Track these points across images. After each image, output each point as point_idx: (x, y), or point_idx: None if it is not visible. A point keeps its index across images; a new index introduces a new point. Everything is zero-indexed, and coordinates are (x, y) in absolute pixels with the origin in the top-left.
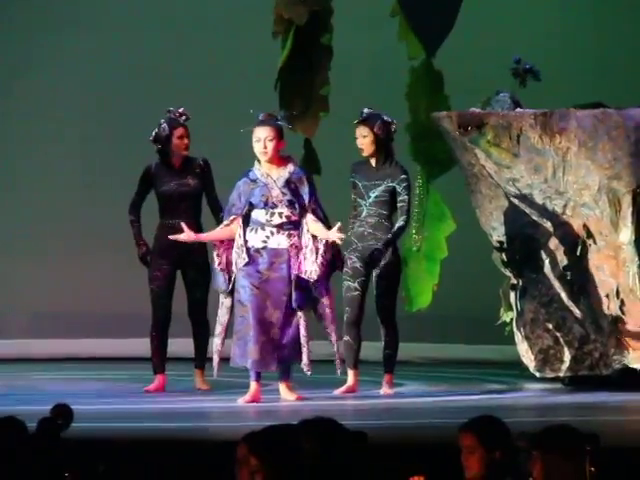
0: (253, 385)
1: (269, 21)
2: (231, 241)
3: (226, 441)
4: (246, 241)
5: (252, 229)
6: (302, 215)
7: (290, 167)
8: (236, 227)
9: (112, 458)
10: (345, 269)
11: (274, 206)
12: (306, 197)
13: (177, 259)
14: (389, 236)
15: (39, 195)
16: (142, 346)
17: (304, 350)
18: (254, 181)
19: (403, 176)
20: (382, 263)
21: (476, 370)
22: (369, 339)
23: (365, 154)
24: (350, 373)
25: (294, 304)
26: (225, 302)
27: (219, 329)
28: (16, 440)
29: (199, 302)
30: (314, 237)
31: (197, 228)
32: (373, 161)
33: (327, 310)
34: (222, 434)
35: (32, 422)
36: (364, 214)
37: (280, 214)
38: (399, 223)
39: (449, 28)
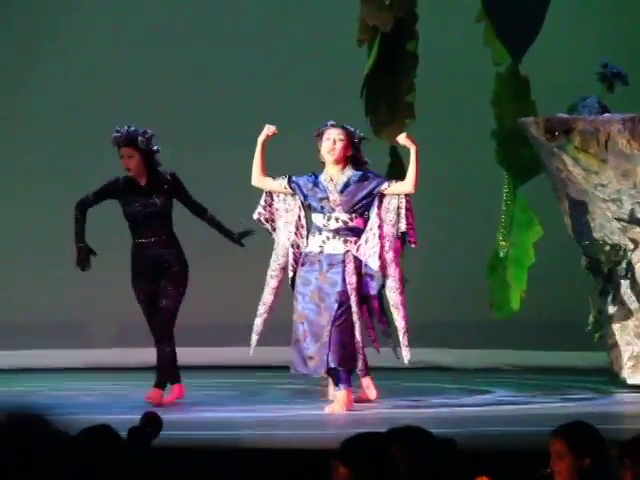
0: (342, 393)
1: (354, 29)
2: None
3: (317, 449)
4: (305, 246)
5: (312, 233)
6: (365, 220)
7: (350, 171)
8: (272, 182)
9: (203, 467)
10: None
11: (331, 210)
12: (374, 185)
13: (154, 275)
14: None
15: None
16: (236, 354)
17: (359, 356)
18: (317, 184)
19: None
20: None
21: (565, 377)
22: (449, 345)
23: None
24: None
25: (365, 290)
26: (270, 282)
27: (262, 309)
28: (109, 449)
29: (163, 311)
30: (380, 228)
31: (172, 243)
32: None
33: (397, 295)
34: (313, 442)
35: (122, 431)
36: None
37: (337, 219)
38: None
39: (535, 33)
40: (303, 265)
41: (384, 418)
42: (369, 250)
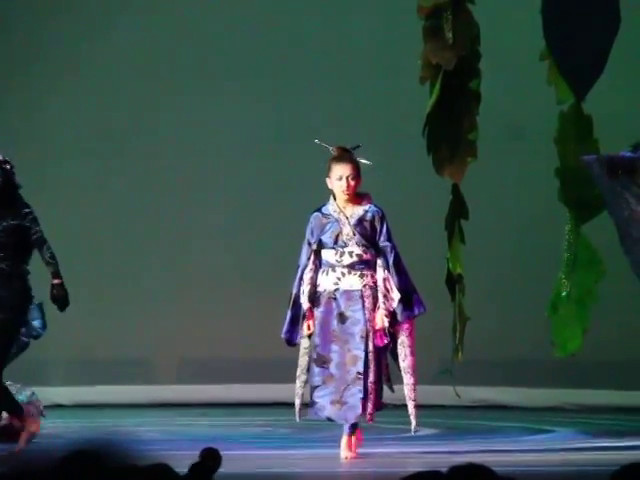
0: (345, 438)
1: (416, 66)
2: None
3: None
4: (317, 285)
5: (323, 271)
6: (377, 255)
7: (366, 205)
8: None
9: None
10: None
11: (344, 245)
12: (382, 236)
13: None
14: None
15: (188, 242)
16: (288, 392)
17: (370, 397)
18: (326, 216)
19: (26, 210)
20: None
21: (628, 417)
22: (510, 384)
23: None
24: None
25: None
26: (303, 343)
27: (298, 371)
28: None
29: None
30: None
31: None
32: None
33: (408, 354)
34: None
35: (183, 467)
36: None
37: (351, 253)
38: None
39: (599, 72)
40: (318, 306)
41: (444, 457)
42: (396, 296)
